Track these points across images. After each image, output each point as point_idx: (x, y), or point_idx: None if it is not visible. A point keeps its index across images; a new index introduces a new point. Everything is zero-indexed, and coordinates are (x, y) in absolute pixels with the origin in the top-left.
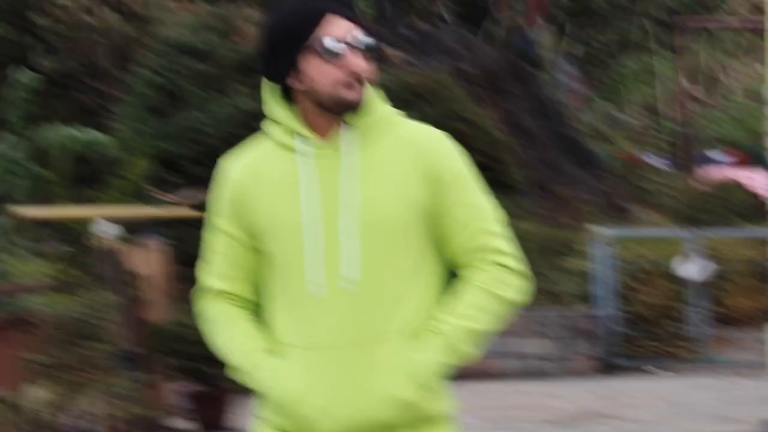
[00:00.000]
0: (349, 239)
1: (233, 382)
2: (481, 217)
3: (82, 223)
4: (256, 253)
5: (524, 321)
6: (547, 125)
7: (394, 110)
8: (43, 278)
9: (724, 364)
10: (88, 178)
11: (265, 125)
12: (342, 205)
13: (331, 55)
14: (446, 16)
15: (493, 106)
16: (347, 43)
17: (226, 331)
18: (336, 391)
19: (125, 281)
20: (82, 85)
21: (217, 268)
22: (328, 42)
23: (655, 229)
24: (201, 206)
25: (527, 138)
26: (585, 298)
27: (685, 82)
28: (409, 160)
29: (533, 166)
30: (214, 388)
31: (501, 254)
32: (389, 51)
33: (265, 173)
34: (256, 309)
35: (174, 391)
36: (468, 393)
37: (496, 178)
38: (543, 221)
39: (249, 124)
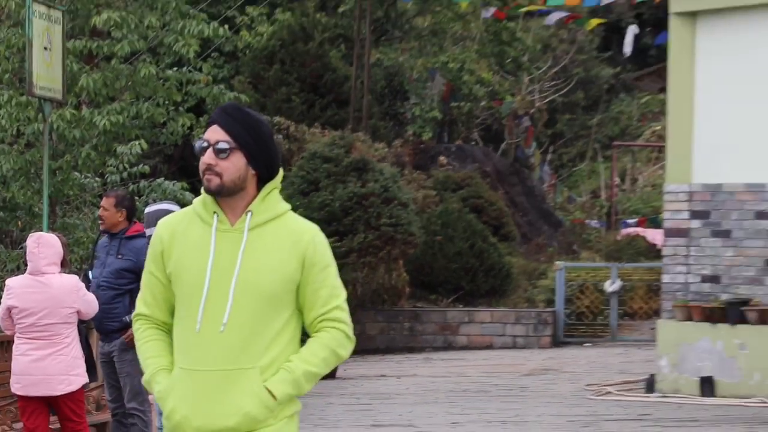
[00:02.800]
0: (227, 296)
1: None
2: (335, 296)
3: None
4: (170, 289)
5: (511, 315)
6: (532, 202)
7: (287, 206)
8: None
9: (627, 341)
10: None
11: (195, 201)
12: (231, 271)
13: (197, 152)
14: (477, 138)
15: (501, 191)
16: (210, 144)
17: (142, 348)
18: (201, 404)
19: None
20: None
21: (144, 297)
22: (197, 142)
23: (591, 262)
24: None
25: (520, 210)
26: (549, 302)
27: (615, 179)
28: (290, 245)
29: (522, 226)
30: None
31: (343, 324)
32: (442, 159)
33: (186, 237)
34: (169, 330)
35: None
36: (477, 356)
37: (501, 232)
38: (527, 258)
39: (361, 202)
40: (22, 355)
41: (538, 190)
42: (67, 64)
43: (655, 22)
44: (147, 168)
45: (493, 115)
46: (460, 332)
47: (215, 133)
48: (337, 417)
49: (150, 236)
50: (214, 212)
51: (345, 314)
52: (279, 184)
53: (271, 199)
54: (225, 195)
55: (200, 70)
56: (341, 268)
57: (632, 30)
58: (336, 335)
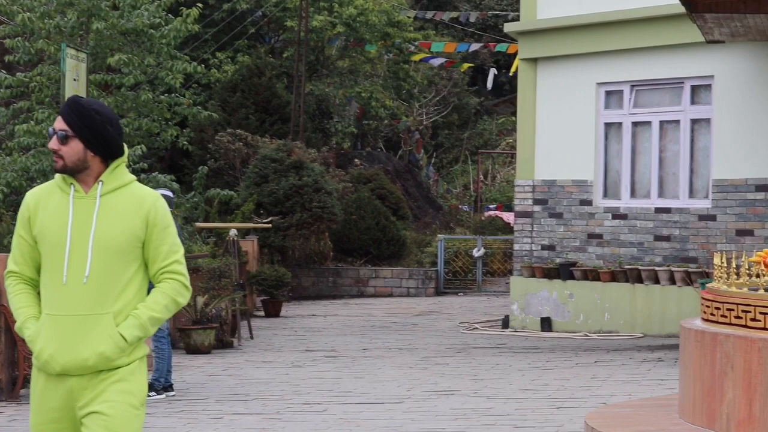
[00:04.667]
0: (86, 252)
1: (285, 296)
2: (174, 251)
3: (225, 231)
4: (36, 249)
5: (406, 272)
6: (421, 193)
7: (133, 177)
8: (206, 252)
9: (489, 292)
10: (227, 211)
11: (56, 175)
12: (87, 231)
13: (49, 138)
14: (382, 146)
15: (398, 184)
16: (54, 132)
17: (13, 299)
18: (65, 344)
19: (239, 254)
20: (227, 173)
21: (14, 257)
22: (50, 129)
23: (463, 235)
24: (271, 223)
25: (412, 198)
26: (433, 264)
27: (480, 176)
28: (135, 208)
29: (414, 209)
30: (274, 298)
31: (181, 275)
32: (356, 161)
33: (48, 205)
34: (36, 285)
35: (257, 299)
36: (381, 302)
37: (398, 213)
38: (417, 232)
39: (298, 191)
40: None
41: (425, 184)
42: (90, 91)
43: (509, 65)
44: (146, 165)
45: (393, 130)
46: (369, 284)
47: (58, 123)
48: (281, 344)
49: None
50: (71, 183)
51: (182, 267)
52: (126, 159)
53: (119, 172)
54: (69, 173)
55: (184, 96)
56: (284, 238)
57: (492, 72)
58: (175, 285)
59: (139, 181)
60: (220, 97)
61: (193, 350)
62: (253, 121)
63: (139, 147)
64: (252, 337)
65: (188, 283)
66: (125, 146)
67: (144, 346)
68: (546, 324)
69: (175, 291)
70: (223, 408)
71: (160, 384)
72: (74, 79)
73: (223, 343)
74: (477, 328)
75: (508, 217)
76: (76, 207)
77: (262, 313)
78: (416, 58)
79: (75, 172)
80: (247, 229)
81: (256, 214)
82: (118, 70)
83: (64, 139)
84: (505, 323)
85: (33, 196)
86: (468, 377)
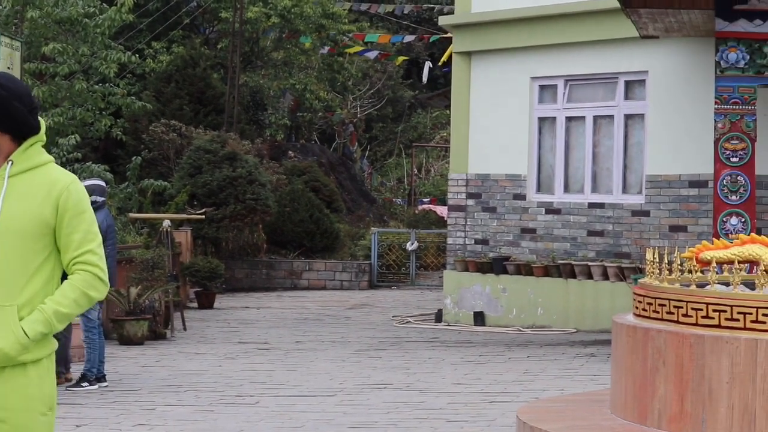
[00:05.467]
0: None
1: (218, 287)
2: (88, 240)
3: (159, 221)
4: None
5: (339, 265)
6: (355, 185)
7: (49, 158)
8: (139, 243)
9: (422, 286)
10: (160, 202)
11: None
12: None
13: None
14: (316, 138)
15: (332, 177)
16: None
17: None
18: None
19: (173, 245)
20: (161, 164)
21: None
22: None
23: (397, 229)
24: (204, 215)
25: (346, 190)
26: (367, 257)
27: (414, 170)
28: (46, 192)
29: (348, 202)
30: (207, 289)
31: (95, 267)
32: (290, 153)
33: None
34: None
35: (190, 290)
36: (315, 295)
37: (332, 206)
38: (351, 225)
39: (232, 183)
40: None
41: (359, 177)
42: (24, 79)
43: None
44: (79, 155)
45: (327, 122)
46: (303, 277)
47: None
48: (214, 336)
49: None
50: None
51: (97, 258)
52: (43, 138)
53: (33, 151)
54: None
55: (118, 86)
56: (217, 230)
57: (427, 65)
58: (86, 277)
59: (73, 171)
60: (154, 88)
61: (126, 341)
62: (188, 111)
63: (73, 137)
64: (185, 329)
65: (104, 276)
66: (42, 124)
67: (52, 341)
68: (479, 318)
69: (86, 284)
70: (155, 399)
71: (93, 374)
72: (8, 68)
73: (156, 335)
74: (410, 321)
75: (441, 210)
76: None
77: (195, 304)
78: (351, 51)
79: None
80: (180, 220)
81: (189, 205)
82: (52, 59)
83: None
84: (438, 317)
85: None
86: (400, 371)
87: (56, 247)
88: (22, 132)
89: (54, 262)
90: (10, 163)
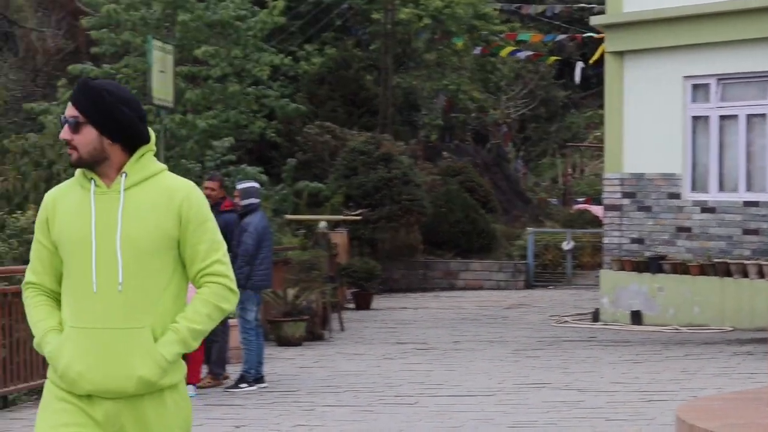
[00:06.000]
0: (115, 256)
1: (375, 288)
2: (214, 250)
3: (315, 223)
4: (57, 255)
5: (496, 265)
6: (509, 186)
7: (163, 166)
8: (296, 244)
9: (579, 285)
10: (316, 203)
11: (77, 172)
12: (113, 231)
13: (61, 127)
14: (470, 139)
15: (487, 177)
16: (66, 120)
17: (31, 312)
18: (95, 362)
19: (329, 246)
20: (315, 165)
21: (33, 267)
22: (61, 118)
23: (552, 229)
24: (360, 216)
25: (501, 191)
26: (523, 257)
27: (568, 170)
28: (165, 202)
29: (503, 202)
30: (364, 290)
31: (225, 278)
32: (444, 154)
33: (67, 204)
34: (58, 297)
35: (347, 291)
36: (471, 295)
37: (487, 206)
38: (506, 225)
39: (387, 184)
40: None
41: (514, 177)
42: (177, 83)
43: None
44: (234, 157)
45: (481, 123)
46: (459, 277)
47: (69, 110)
48: (372, 336)
49: (246, 205)
50: (91, 178)
51: (225, 267)
52: (153, 147)
53: (145, 161)
54: (87, 167)
55: (271, 88)
56: (373, 231)
57: (579, 65)
58: (217, 290)
59: (226, 174)
60: (307, 90)
61: (284, 342)
62: (341, 113)
63: (227, 139)
64: (343, 330)
65: (234, 285)
66: (151, 132)
67: (182, 365)
68: (636, 317)
69: (218, 297)
70: (314, 400)
71: (251, 375)
72: (161, 71)
73: (314, 335)
74: (567, 321)
75: (596, 210)
76: (99, 204)
77: (352, 305)
78: (504, 53)
79: (93, 164)
80: (336, 221)
81: (345, 207)
82: (204, 62)
83: (75, 127)
84: (596, 316)
85: (50, 196)
86: (559, 370)
87: (181, 260)
88: (132, 141)
89: (180, 276)
90: (123, 175)
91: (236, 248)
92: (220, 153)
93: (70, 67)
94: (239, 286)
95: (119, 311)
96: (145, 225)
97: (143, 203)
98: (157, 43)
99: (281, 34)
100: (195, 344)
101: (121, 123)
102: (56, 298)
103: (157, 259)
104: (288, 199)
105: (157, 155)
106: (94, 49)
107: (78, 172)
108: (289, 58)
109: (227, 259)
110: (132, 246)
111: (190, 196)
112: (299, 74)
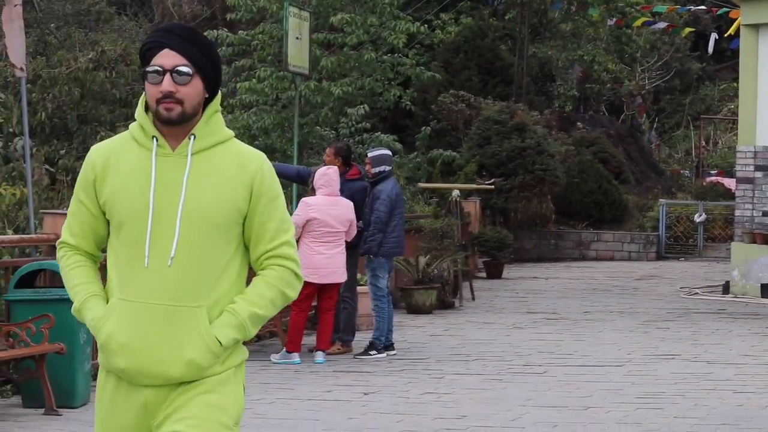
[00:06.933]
0: (173, 227)
1: (506, 257)
2: (283, 230)
3: (448, 192)
4: (101, 220)
5: (627, 236)
6: (643, 157)
7: (231, 132)
8: (428, 212)
9: (710, 257)
10: (449, 172)
11: (132, 126)
12: (175, 199)
13: (150, 78)
14: (604, 110)
15: (621, 148)
16: (166, 70)
17: (68, 275)
18: (140, 336)
19: (462, 215)
20: (449, 134)
21: (70, 228)
22: (149, 68)
23: (685, 200)
24: (493, 185)
25: (634, 162)
26: (654, 228)
27: (702, 142)
28: (236, 173)
29: (636, 173)
30: (495, 259)
31: (292, 261)
32: (579, 125)
33: (121, 164)
34: (96, 261)
35: (479, 260)
36: (603, 265)
37: (620, 177)
38: (639, 196)
39: (520, 153)
40: (317, 254)
41: (647, 149)
42: (312, 50)
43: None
44: (368, 125)
45: (616, 94)
46: (591, 248)
47: (171, 58)
48: (502, 306)
49: (377, 172)
50: (154, 137)
51: (293, 251)
52: (218, 107)
53: (215, 124)
54: (184, 123)
55: (407, 56)
56: (506, 200)
57: (713, 36)
58: (283, 274)
59: (361, 140)
60: (443, 59)
61: (415, 310)
62: (476, 82)
63: (361, 107)
64: (473, 298)
65: (300, 271)
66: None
67: (243, 349)
68: (766, 290)
69: (284, 282)
70: (443, 368)
71: (381, 343)
72: (297, 38)
73: (445, 304)
74: (698, 293)
75: (729, 183)
76: (161, 167)
77: (483, 274)
78: (638, 23)
79: (189, 121)
80: (469, 190)
81: (478, 176)
82: (340, 29)
83: (184, 78)
84: (726, 289)
85: (100, 153)
86: (688, 342)
87: (244, 238)
88: (216, 85)
89: (243, 256)
90: (192, 137)
91: (368, 215)
92: (355, 120)
93: (205, 33)
94: (371, 253)
95: (174, 287)
96: (212, 195)
97: (212, 171)
98: (293, 10)
99: (417, 2)
100: (253, 331)
101: (220, 77)
102: (94, 260)
103: (221, 234)
104: (421, 168)
105: (291, 122)
106: (230, 16)
107: (135, 127)
108: (425, 26)
109: (294, 242)
110: (195, 218)
111: (263, 168)
112: (435, 43)
